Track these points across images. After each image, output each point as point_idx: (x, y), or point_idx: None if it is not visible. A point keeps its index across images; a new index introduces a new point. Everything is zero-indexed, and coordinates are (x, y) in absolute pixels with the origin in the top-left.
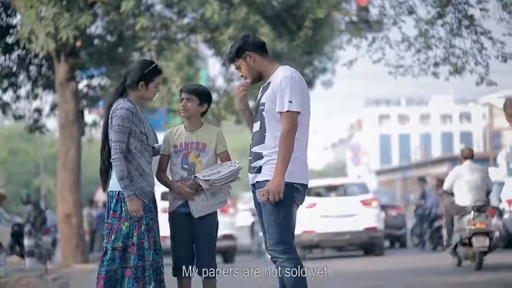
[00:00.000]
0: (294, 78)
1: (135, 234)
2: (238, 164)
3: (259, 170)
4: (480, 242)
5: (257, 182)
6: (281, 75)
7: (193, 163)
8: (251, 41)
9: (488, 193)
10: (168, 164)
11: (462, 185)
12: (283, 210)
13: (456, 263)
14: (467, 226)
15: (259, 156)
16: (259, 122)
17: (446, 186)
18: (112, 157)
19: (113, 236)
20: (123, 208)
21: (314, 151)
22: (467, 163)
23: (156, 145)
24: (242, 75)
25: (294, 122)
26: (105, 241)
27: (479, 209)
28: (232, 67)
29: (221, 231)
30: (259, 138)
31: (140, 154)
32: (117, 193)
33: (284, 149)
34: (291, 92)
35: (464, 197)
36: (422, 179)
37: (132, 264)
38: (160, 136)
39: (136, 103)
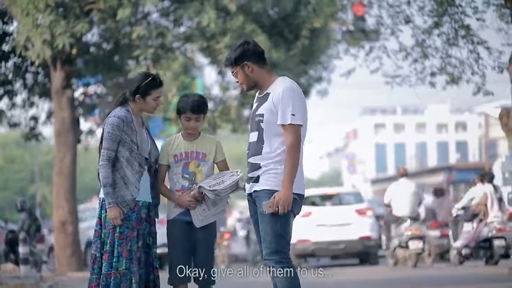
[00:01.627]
0: (296, 91)
1: (108, 241)
2: (240, 173)
3: (256, 179)
4: (415, 245)
5: (255, 191)
6: (282, 87)
7: (193, 173)
8: (251, 50)
9: (419, 204)
10: (166, 173)
11: (398, 199)
12: (281, 219)
13: (393, 264)
14: (405, 232)
15: (257, 167)
16: (256, 133)
17: (386, 200)
18: (99, 164)
19: (100, 243)
20: (102, 215)
21: (310, 160)
22: (402, 180)
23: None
24: (237, 81)
25: (298, 135)
26: (94, 248)
27: (414, 218)
28: (229, 74)
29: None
30: (256, 149)
31: (127, 163)
32: (102, 200)
33: (291, 162)
34: (294, 105)
35: (400, 209)
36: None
37: (103, 271)
38: (159, 144)
39: (137, 113)
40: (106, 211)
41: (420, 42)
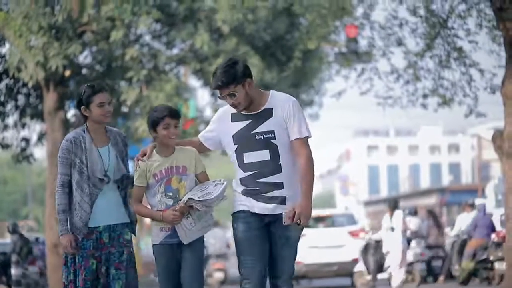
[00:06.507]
0: (298, 104)
1: (71, 270)
2: (223, 182)
3: (283, 201)
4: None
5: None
6: (289, 101)
7: (176, 189)
8: (246, 67)
9: None
10: (143, 195)
11: None
12: (297, 242)
13: None
14: None
15: (279, 186)
16: (267, 151)
17: None
18: (55, 190)
19: (67, 271)
20: None
21: None
22: None
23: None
24: (233, 102)
25: (309, 147)
26: (63, 276)
27: None
28: (219, 94)
29: None
30: (273, 167)
31: (77, 186)
32: None
33: (311, 174)
34: (303, 118)
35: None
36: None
37: None
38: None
39: (96, 130)
40: None
41: (412, 64)
